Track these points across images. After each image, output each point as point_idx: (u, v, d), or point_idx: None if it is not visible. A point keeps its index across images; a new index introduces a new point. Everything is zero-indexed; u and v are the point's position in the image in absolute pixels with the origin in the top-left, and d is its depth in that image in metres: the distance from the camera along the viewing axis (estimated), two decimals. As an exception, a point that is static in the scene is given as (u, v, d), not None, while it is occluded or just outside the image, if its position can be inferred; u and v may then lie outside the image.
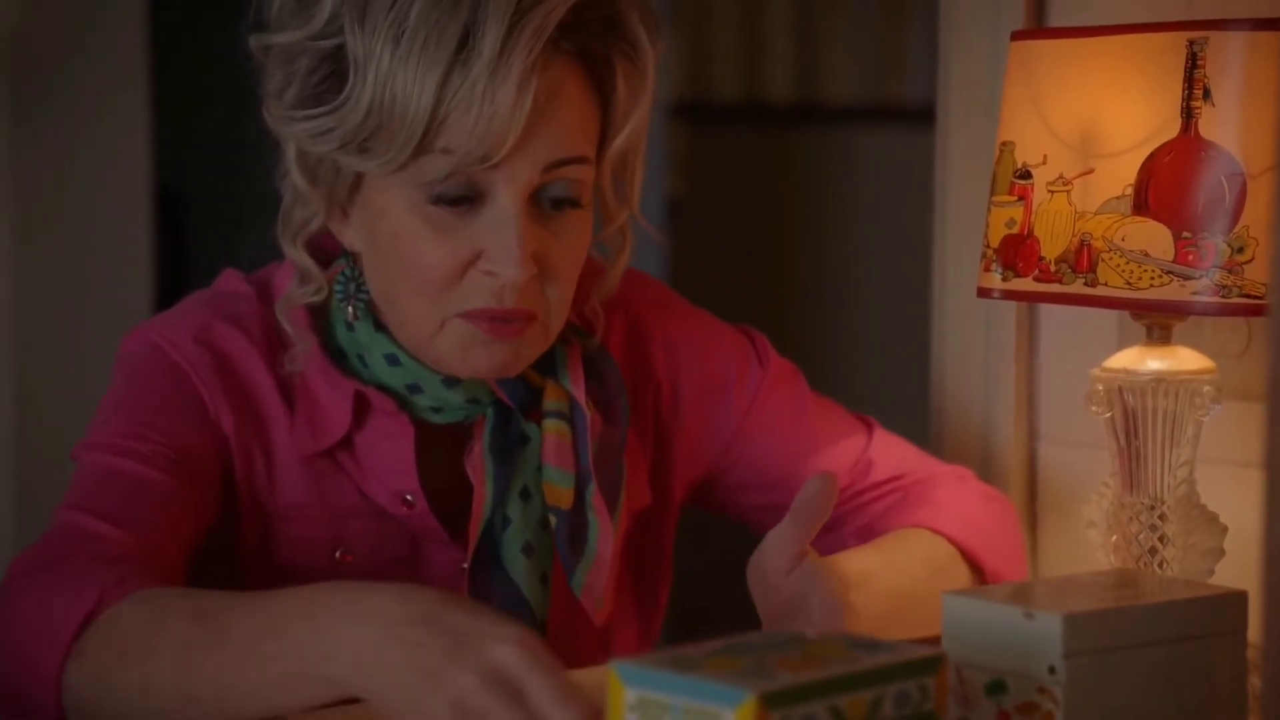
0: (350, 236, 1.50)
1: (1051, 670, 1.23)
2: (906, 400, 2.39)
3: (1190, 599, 1.31)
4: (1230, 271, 1.43)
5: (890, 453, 1.68)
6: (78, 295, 2.87)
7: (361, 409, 1.51)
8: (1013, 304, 1.86)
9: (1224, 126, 1.44)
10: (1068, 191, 1.51)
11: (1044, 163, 1.53)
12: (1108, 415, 1.54)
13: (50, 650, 1.27)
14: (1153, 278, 1.46)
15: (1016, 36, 1.59)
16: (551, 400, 1.53)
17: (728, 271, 4.06)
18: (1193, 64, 1.45)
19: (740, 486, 1.67)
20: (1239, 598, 1.33)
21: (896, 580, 1.51)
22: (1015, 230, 1.54)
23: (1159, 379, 1.52)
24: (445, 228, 1.43)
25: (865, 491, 1.66)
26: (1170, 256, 1.45)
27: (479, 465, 1.51)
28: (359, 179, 1.46)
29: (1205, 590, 1.35)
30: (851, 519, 1.66)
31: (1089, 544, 1.58)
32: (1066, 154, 1.51)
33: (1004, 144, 1.56)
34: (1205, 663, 1.30)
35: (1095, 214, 1.49)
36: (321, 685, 1.18)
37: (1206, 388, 1.52)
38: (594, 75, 1.46)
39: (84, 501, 1.42)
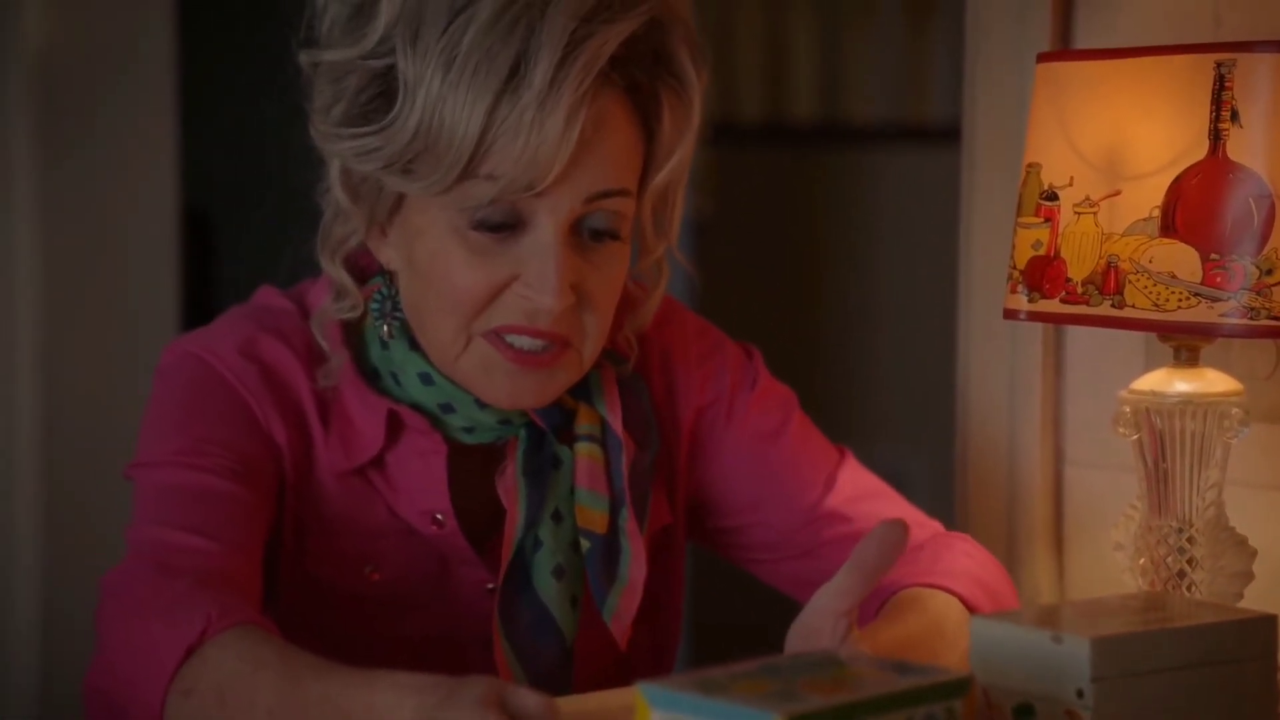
0: (388, 254, 1.50)
1: (1080, 694, 1.22)
2: (931, 422, 2.39)
3: (1219, 622, 1.30)
4: (1258, 293, 1.43)
5: (854, 480, 1.62)
6: (104, 314, 2.88)
7: (394, 427, 1.51)
8: (1039, 326, 1.86)
9: (1252, 148, 1.44)
10: (1094, 213, 1.51)
11: (1070, 184, 1.53)
12: (1135, 437, 1.53)
13: (154, 680, 1.28)
14: (1180, 300, 1.46)
15: (1043, 58, 1.59)
16: (583, 423, 1.53)
17: (753, 291, 4.06)
18: (1220, 86, 1.45)
19: (705, 508, 1.64)
20: (1268, 621, 1.32)
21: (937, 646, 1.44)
22: (1041, 252, 1.53)
23: (1187, 401, 1.51)
24: (484, 252, 1.43)
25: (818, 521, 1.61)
26: (1198, 278, 1.45)
27: (512, 487, 1.51)
28: (400, 199, 1.46)
29: (1234, 614, 1.34)
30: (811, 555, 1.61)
31: (1115, 567, 1.57)
32: (1093, 176, 1.51)
33: (1030, 165, 1.56)
34: (1234, 686, 1.29)
35: (1122, 236, 1.49)
36: None
37: (1234, 410, 1.51)
38: (640, 108, 1.46)
39: (162, 517, 1.42)
